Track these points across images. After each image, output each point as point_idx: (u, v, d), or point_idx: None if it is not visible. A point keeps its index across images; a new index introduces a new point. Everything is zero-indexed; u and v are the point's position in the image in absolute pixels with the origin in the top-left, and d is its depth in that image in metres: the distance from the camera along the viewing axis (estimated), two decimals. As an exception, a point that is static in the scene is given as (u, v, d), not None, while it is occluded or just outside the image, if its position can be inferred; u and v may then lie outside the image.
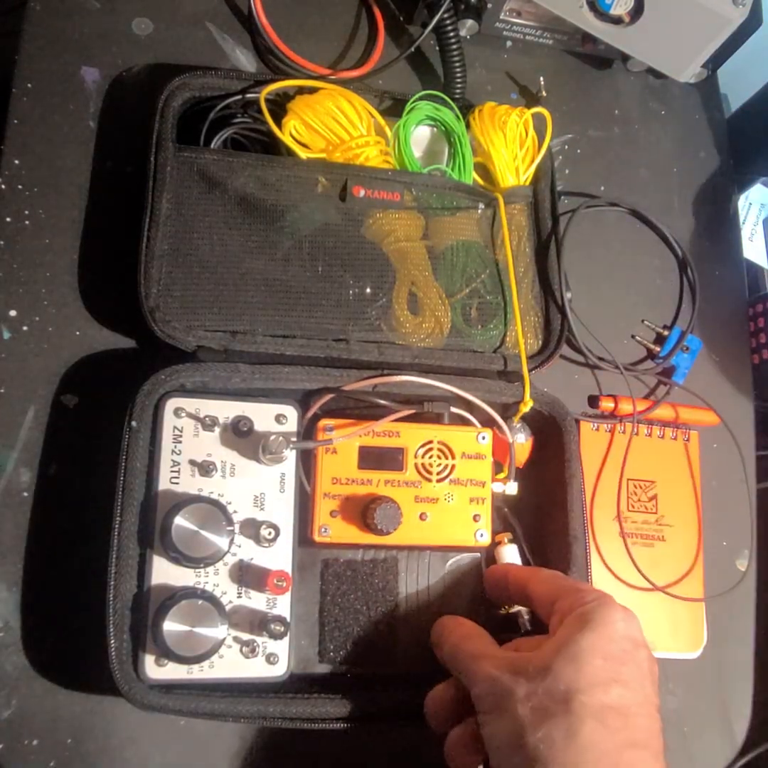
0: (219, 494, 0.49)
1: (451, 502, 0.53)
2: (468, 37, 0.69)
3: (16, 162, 0.58)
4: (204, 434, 0.49)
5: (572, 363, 0.66)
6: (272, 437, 0.48)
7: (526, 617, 0.51)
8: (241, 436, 0.50)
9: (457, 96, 0.64)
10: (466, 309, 0.58)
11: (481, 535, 0.53)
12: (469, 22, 0.67)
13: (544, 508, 0.56)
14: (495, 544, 0.54)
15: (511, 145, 0.61)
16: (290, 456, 0.50)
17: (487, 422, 0.55)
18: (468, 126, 0.62)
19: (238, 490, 0.49)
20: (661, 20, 0.64)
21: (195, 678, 0.46)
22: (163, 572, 0.47)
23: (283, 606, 0.48)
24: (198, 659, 0.45)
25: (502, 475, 0.55)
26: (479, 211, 0.60)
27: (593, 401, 0.66)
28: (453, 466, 0.53)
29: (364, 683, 0.50)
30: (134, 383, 0.49)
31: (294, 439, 0.50)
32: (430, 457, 0.53)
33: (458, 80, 0.65)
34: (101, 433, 0.51)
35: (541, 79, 0.69)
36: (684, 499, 0.65)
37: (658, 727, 0.40)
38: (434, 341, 0.56)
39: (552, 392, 0.57)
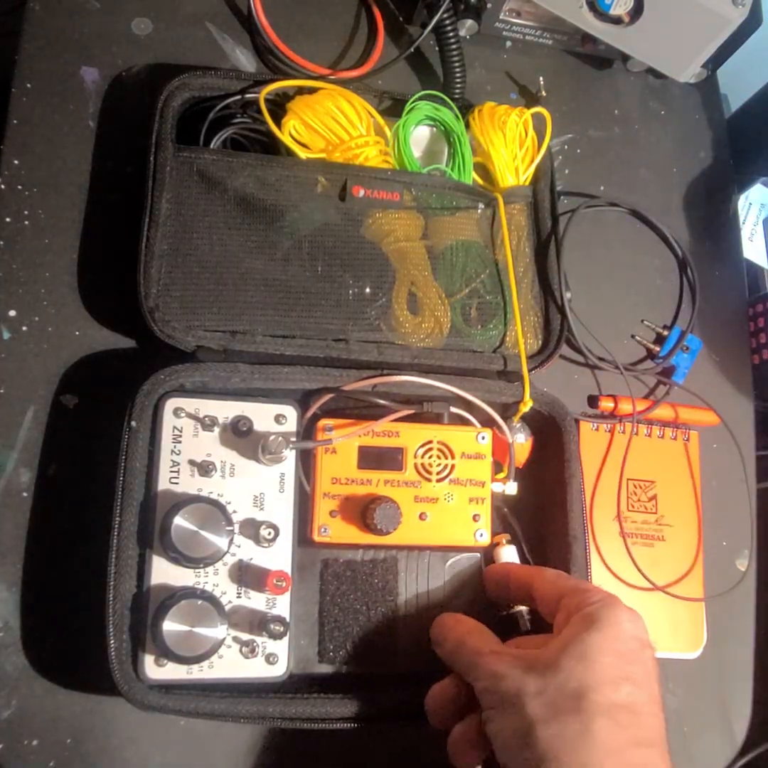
0: (218, 494, 0.49)
1: (450, 502, 0.53)
2: (467, 37, 0.69)
3: (16, 162, 0.58)
4: (203, 434, 0.49)
5: (572, 363, 0.66)
6: (272, 437, 0.48)
7: (527, 617, 0.51)
8: (241, 436, 0.50)
9: (456, 96, 0.64)
10: (465, 309, 0.58)
11: (481, 535, 0.53)
12: (469, 22, 0.67)
13: (543, 508, 0.56)
14: (494, 544, 0.54)
15: (511, 145, 0.61)
16: (290, 456, 0.50)
17: (487, 422, 0.55)
18: (467, 126, 0.62)
19: (237, 490, 0.49)
20: (661, 20, 0.64)
21: (195, 678, 0.46)
22: (163, 572, 0.47)
23: (282, 606, 0.48)
24: (198, 659, 0.45)
25: (501, 475, 0.55)
26: (479, 211, 0.60)
27: (593, 401, 0.66)
28: (453, 466, 0.53)
29: (363, 683, 0.50)
30: (134, 383, 0.49)
31: (293, 439, 0.50)
32: (430, 457, 0.53)
33: (458, 80, 0.65)
34: (101, 433, 0.51)
35: (541, 79, 0.69)
36: (684, 499, 0.65)
37: (664, 725, 0.41)
38: (434, 341, 0.56)
39: (552, 392, 0.57)
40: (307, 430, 0.52)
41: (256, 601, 0.48)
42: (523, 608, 0.51)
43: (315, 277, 0.54)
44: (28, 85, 0.59)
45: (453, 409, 0.54)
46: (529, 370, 0.56)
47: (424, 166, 0.60)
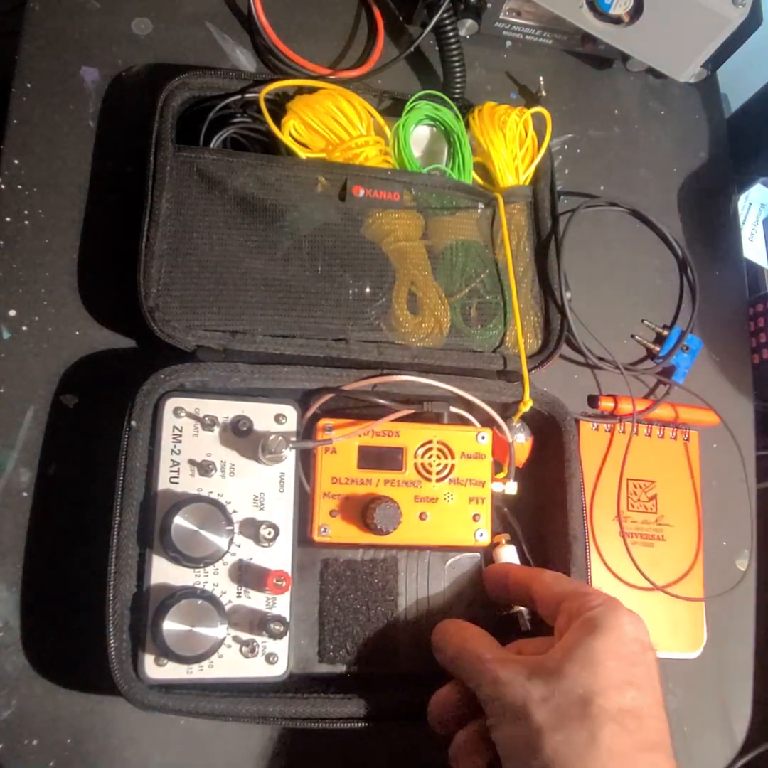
0: (218, 494, 0.49)
1: (450, 502, 0.53)
2: (467, 36, 0.69)
3: (16, 162, 0.58)
4: (203, 434, 0.49)
5: (572, 363, 0.66)
6: (272, 437, 0.48)
7: (527, 617, 0.51)
8: (241, 436, 0.50)
9: (456, 96, 0.64)
10: (465, 309, 0.58)
11: (481, 535, 0.53)
12: (469, 21, 0.67)
13: (543, 508, 0.56)
14: (494, 544, 0.54)
15: (511, 144, 0.61)
16: (290, 456, 0.50)
17: (487, 422, 0.55)
18: (467, 126, 0.62)
19: (237, 490, 0.49)
20: (661, 20, 0.64)
21: (195, 678, 0.46)
22: (163, 572, 0.47)
23: (282, 606, 0.48)
24: (198, 659, 0.45)
25: (501, 475, 0.55)
26: (479, 210, 0.60)
27: (593, 401, 0.66)
28: (452, 466, 0.53)
29: (363, 683, 0.50)
30: (134, 383, 0.49)
31: (293, 438, 0.50)
32: (430, 456, 0.53)
33: (458, 80, 0.65)
34: (101, 433, 0.51)
35: (541, 79, 0.69)
36: (684, 499, 0.65)
37: (668, 728, 0.41)
38: (434, 341, 0.56)
39: (552, 392, 0.56)
40: (307, 430, 0.52)
41: (256, 600, 0.48)
42: (523, 609, 0.51)
43: (315, 277, 0.54)
44: (28, 85, 0.60)
45: (453, 409, 0.54)
46: (529, 370, 0.56)
47: (424, 165, 0.60)
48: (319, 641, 0.51)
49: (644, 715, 0.39)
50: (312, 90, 0.59)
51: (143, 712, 0.45)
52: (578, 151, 0.72)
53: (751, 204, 0.79)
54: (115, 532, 0.46)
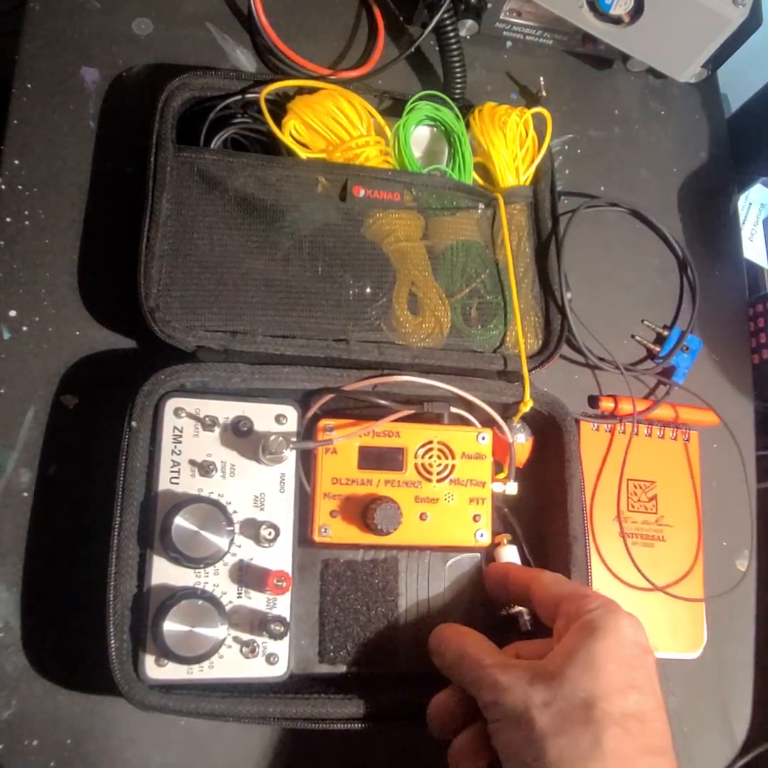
0: (219, 494, 0.49)
1: (451, 503, 0.53)
2: (468, 37, 0.69)
3: (16, 162, 0.58)
4: (204, 434, 0.49)
5: (572, 363, 0.66)
6: (272, 437, 0.48)
7: (527, 617, 0.51)
8: (241, 437, 0.50)
9: (456, 96, 0.64)
10: (466, 309, 0.58)
11: (481, 535, 0.53)
12: (469, 22, 0.67)
13: (544, 508, 0.56)
14: (494, 545, 0.54)
15: (511, 145, 0.61)
16: (290, 456, 0.50)
17: (487, 422, 0.55)
18: (468, 126, 0.62)
19: (238, 491, 0.49)
20: (661, 20, 0.64)
21: (195, 678, 0.46)
22: (163, 572, 0.47)
23: (283, 606, 0.48)
24: (198, 659, 0.45)
25: (502, 475, 0.55)
26: (479, 211, 0.60)
27: (593, 401, 0.66)
28: (453, 466, 0.53)
29: (364, 683, 0.50)
30: (134, 383, 0.49)
31: (294, 439, 0.50)
32: (430, 457, 0.53)
33: (458, 80, 0.65)
34: (101, 433, 0.51)
35: (541, 79, 0.69)
36: (684, 499, 0.65)
37: (670, 731, 0.40)
38: (434, 341, 0.56)
39: (552, 392, 0.56)
40: (307, 430, 0.52)
41: (256, 601, 0.48)
42: (523, 609, 0.51)
43: (315, 277, 0.54)
44: (28, 85, 0.59)
45: (453, 409, 0.54)
46: (530, 370, 0.56)
47: (425, 166, 0.60)
48: (319, 641, 0.51)
49: (647, 719, 0.39)
50: (312, 90, 0.59)
51: (143, 712, 0.45)
52: (578, 151, 0.72)
53: (751, 204, 0.79)
54: (116, 533, 0.46)
